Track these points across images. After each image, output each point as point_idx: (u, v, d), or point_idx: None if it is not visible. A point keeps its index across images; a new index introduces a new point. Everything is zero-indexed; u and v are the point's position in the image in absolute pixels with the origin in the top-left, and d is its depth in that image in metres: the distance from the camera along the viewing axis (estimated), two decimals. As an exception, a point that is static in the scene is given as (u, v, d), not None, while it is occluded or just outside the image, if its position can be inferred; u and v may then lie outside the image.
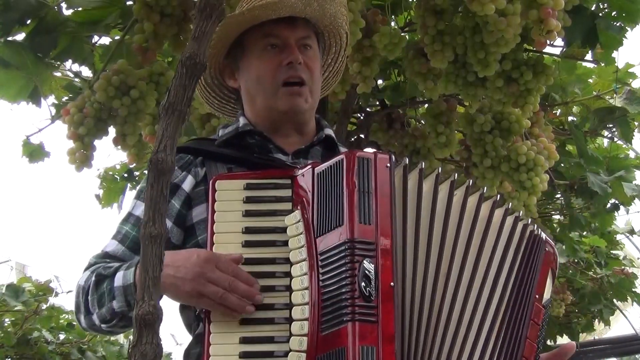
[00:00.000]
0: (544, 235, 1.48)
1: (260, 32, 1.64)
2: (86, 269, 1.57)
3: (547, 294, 1.47)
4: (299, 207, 1.36)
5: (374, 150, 1.68)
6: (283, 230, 1.36)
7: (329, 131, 1.70)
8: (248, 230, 1.38)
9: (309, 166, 1.40)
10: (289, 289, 1.32)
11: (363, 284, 1.23)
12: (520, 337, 1.39)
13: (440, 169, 1.41)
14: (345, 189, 1.31)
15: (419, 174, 1.37)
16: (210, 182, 1.43)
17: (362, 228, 1.27)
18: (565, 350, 1.49)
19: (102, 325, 1.51)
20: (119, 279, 1.46)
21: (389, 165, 1.34)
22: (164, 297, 1.39)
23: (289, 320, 1.29)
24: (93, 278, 1.51)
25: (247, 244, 1.37)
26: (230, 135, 1.66)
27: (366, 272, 1.24)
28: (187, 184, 1.59)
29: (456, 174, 1.42)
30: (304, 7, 1.61)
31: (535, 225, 1.47)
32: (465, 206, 1.40)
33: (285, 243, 1.35)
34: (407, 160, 1.38)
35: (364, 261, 1.25)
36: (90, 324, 1.53)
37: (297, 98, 1.60)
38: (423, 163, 1.40)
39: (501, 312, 1.38)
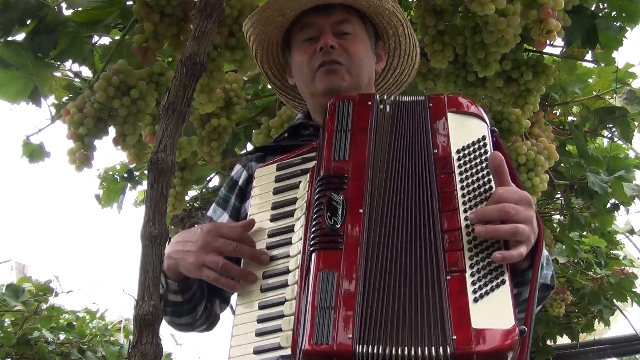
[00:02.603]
0: (422, 97, 1.42)
1: (298, 25, 1.66)
2: None
3: (460, 139, 1.34)
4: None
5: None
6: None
7: None
8: (274, 206, 1.42)
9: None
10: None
11: (328, 214, 1.26)
12: (431, 191, 1.29)
13: (426, 96, 1.41)
14: (326, 131, 1.37)
15: (399, 107, 1.39)
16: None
17: (335, 163, 1.32)
18: (494, 161, 1.28)
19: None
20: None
21: (370, 103, 1.38)
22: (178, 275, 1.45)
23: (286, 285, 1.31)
24: None
25: (273, 218, 1.41)
26: (288, 130, 1.69)
27: (333, 202, 1.27)
28: (242, 179, 1.66)
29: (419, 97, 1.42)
30: None
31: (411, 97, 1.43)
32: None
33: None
34: (395, 97, 1.42)
35: (332, 194, 1.28)
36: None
37: (332, 76, 1.60)
38: (409, 98, 1.41)
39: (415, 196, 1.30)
